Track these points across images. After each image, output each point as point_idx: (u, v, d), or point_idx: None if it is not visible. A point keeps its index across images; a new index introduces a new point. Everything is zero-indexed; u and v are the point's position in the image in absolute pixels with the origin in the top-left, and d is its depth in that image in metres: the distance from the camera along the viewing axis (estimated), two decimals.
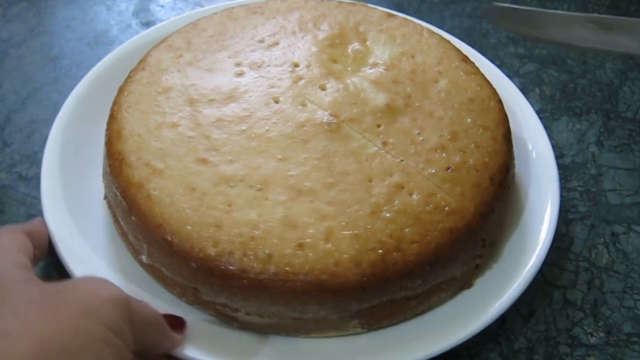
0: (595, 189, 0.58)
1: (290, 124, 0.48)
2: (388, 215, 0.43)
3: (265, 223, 0.42)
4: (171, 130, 0.47)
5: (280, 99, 0.50)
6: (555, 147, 0.61)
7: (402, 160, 0.46)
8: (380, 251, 0.41)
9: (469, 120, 0.49)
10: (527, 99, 0.58)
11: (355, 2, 0.60)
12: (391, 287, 0.42)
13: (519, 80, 0.67)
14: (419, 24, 0.58)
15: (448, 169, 0.46)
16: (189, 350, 0.41)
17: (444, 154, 0.46)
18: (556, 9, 0.76)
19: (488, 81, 0.53)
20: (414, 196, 0.44)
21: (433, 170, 0.45)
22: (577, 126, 0.63)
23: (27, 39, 0.70)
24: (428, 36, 0.56)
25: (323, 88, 0.51)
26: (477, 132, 0.48)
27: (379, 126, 0.48)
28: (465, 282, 0.47)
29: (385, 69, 0.52)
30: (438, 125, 0.48)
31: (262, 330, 0.44)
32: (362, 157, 0.46)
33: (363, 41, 0.55)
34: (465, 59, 0.55)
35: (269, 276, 0.40)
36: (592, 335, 0.48)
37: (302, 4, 0.58)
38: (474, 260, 0.46)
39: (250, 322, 0.43)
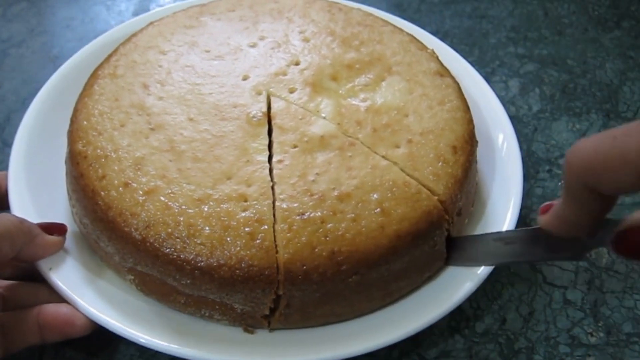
0: None
1: (229, 99, 0.50)
2: (206, 209, 0.43)
3: (124, 152, 0.45)
4: (155, 55, 0.53)
5: (249, 78, 0.51)
6: (555, 147, 0.61)
7: (274, 182, 0.44)
8: (169, 230, 0.42)
9: (375, 196, 0.44)
10: (502, 103, 0.57)
11: (428, 47, 0.56)
12: (159, 267, 0.42)
13: (519, 80, 0.67)
14: (456, 95, 0.52)
15: (301, 215, 0.42)
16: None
17: (312, 202, 0.43)
18: (557, 9, 0.76)
19: (457, 179, 0.47)
20: (244, 213, 0.42)
21: (285, 205, 0.43)
22: (577, 126, 0.63)
23: (27, 39, 0.70)
24: (447, 109, 0.50)
25: (291, 91, 0.51)
26: (370, 210, 0.43)
27: (294, 146, 0.47)
28: (247, 322, 0.44)
29: (365, 109, 0.49)
30: (342, 180, 0.44)
31: (82, 235, 0.47)
32: (245, 157, 0.46)
33: (380, 79, 0.52)
34: (458, 147, 0.48)
35: (90, 191, 0.44)
36: (592, 335, 0.48)
37: (377, 25, 0.57)
38: (260, 308, 0.43)
39: (76, 222, 0.48)
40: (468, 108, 0.52)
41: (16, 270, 0.46)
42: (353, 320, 0.45)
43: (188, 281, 0.42)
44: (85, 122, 0.48)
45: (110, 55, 0.53)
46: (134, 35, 0.55)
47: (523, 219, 0.55)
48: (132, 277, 0.45)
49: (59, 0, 0.75)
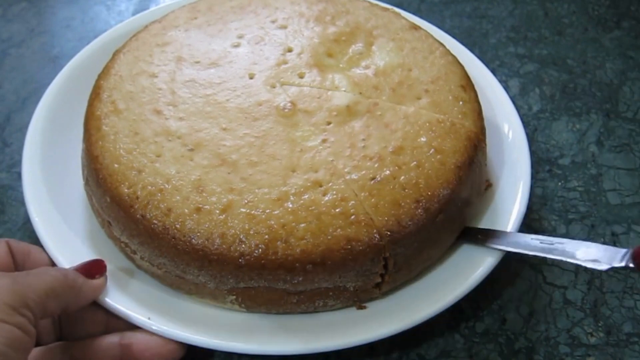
0: (595, 189, 0.58)
1: (250, 100, 0.49)
2: (291, 206, 0.43)
3: (178, 180, 0.44)
4: (148, 79, 0.51)
5: (256, 75, 0.51)
6: (555, 147, 0.61)
7: (331, 160, 0.45)
8: (266, 237, 0.41)
9: (423, 139, 0.47)
10: (507, 91, 0.58)
11: (388, 7, 0.59)
12: (267, 275, 0.42)
13: (519, 80, 0.67)
14: (437, 42, 0.55)
15: (373, 179, 0.44)
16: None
17: (376, 164, 0.45)
18: (557, 9, 0.76)
19: (479, 112, 0.51)
20: (327, 197, 0.43)
21: (355, 176, 0.44)
22: (577, 126, 0.63)
23: (27, 39, 0.70)
24: (439, 55, 0.54)
25: (301, 76, 0.51)
26: (426, 153, 0.46)
27: (328, 123, 0.48)
28: (360, 298, 0.45)
29: (373, 74, 0.51)
30: (388, 136, 0.47)
31: (153, 278, 0.46)
32: (297, 147, 0.46)
33: (369, 44, 0.54)
34: (466, 85, 0.52)
35: (161, 229, 0.43)
36: (592, 335, 0.48)
37: None
38: (371, 278, 0.44)
39: (143, 267, 0.46)
40: (449, 51, 0.55)
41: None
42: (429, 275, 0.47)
43: (300, 278, 0.42)
44: (116, 165, 0.45)
45: (96, 93, 0.50)
46: (109, 67, 0.52)
47: (522, 219, 0.55)
48: (234, 297, 0.44)
49: (59, 0, 0.75)
